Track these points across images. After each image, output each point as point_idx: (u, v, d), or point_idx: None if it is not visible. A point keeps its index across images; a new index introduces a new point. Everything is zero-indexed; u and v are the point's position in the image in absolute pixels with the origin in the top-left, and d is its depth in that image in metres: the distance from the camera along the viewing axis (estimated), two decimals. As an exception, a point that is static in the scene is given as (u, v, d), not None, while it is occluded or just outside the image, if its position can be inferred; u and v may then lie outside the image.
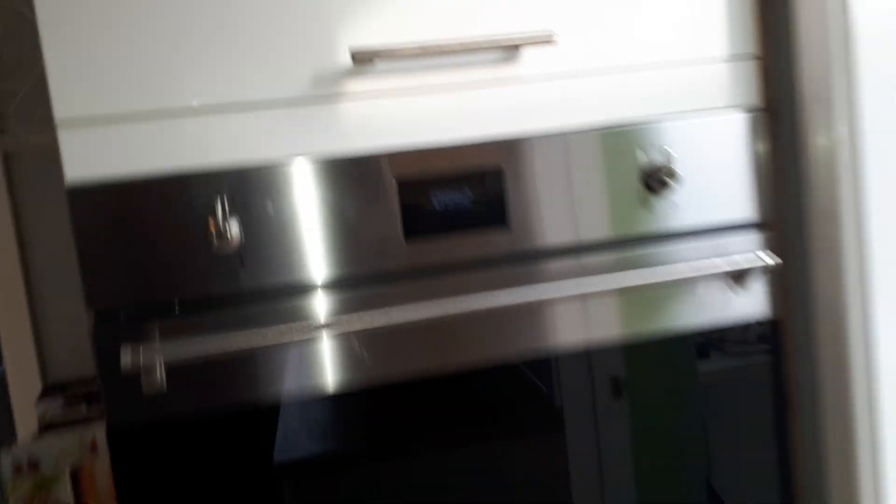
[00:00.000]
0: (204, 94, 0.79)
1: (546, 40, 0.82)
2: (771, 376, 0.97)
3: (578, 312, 0.90)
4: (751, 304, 0.95)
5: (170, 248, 0.79)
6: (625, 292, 0.90)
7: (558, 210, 0.88)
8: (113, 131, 0.78)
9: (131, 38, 0.77)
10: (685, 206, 0.91)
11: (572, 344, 0.90)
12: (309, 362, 0.83)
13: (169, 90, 0.78)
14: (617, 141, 0.88)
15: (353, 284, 0.84)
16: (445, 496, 0.89)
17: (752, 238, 0.93)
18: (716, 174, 0.92)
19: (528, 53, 0.85)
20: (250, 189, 0.80)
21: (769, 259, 0.90)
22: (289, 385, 0.83)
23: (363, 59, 0.79)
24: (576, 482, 0.93)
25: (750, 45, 0.92)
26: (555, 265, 0.88)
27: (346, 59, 0.82)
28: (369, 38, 0.82)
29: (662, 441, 0.95)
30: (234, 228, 0.79)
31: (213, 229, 0.78)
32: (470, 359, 0.87)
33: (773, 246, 0.93)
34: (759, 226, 0.94)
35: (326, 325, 0.79)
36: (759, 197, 0.94)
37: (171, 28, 0.78)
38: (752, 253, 0.91)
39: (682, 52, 0.90)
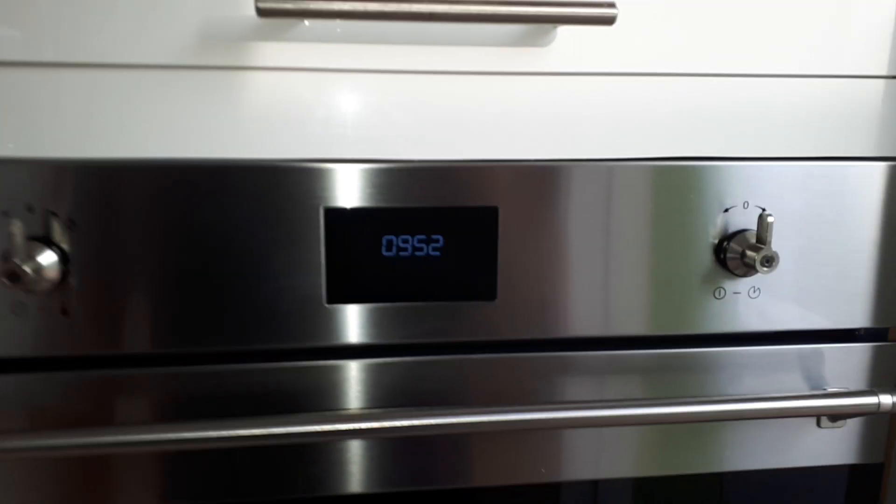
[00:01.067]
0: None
1: (602, 17, 0.48)
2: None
3: (587, 443, 0.59)
4: (842, 444, 0.64)
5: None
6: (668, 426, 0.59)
7: (578, 281, 0.56)
8: None
9: None
10: (773, 294, 0.59)
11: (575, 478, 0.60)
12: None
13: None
14: (686, 184, 0.56)
15: (236, 361, 0.54)
16: None
17: (864, 352, 0.62)
18: (825, 253, 0.59)
19: (566, 35, 0.52)
20: (78, 198, 0.49)
21: (890, 400, 0.58)
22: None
23: (274, 13, 0.46)
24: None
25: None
26: (559, 362, 0.57)
27: (250, 11, 0.49)
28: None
29: None
30: (44, 259, 0.48)
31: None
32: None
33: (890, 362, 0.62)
34: (873, 335, 0.62)
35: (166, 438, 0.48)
36: (887, 295, 0.61)
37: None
38: (871, 394, 0.58)
39: (800, 62, 0.57)
